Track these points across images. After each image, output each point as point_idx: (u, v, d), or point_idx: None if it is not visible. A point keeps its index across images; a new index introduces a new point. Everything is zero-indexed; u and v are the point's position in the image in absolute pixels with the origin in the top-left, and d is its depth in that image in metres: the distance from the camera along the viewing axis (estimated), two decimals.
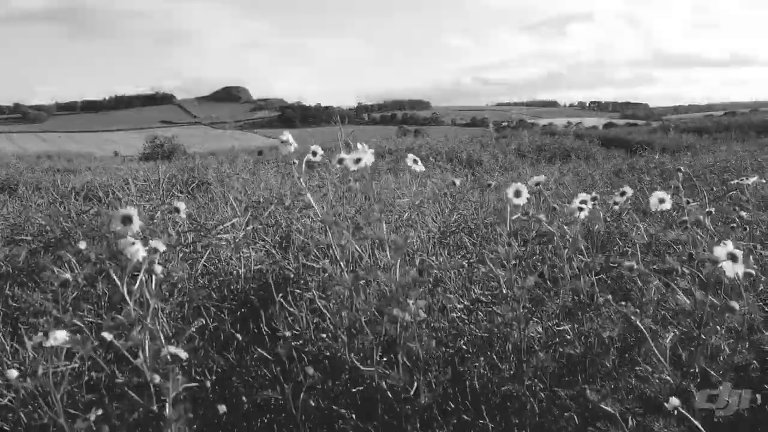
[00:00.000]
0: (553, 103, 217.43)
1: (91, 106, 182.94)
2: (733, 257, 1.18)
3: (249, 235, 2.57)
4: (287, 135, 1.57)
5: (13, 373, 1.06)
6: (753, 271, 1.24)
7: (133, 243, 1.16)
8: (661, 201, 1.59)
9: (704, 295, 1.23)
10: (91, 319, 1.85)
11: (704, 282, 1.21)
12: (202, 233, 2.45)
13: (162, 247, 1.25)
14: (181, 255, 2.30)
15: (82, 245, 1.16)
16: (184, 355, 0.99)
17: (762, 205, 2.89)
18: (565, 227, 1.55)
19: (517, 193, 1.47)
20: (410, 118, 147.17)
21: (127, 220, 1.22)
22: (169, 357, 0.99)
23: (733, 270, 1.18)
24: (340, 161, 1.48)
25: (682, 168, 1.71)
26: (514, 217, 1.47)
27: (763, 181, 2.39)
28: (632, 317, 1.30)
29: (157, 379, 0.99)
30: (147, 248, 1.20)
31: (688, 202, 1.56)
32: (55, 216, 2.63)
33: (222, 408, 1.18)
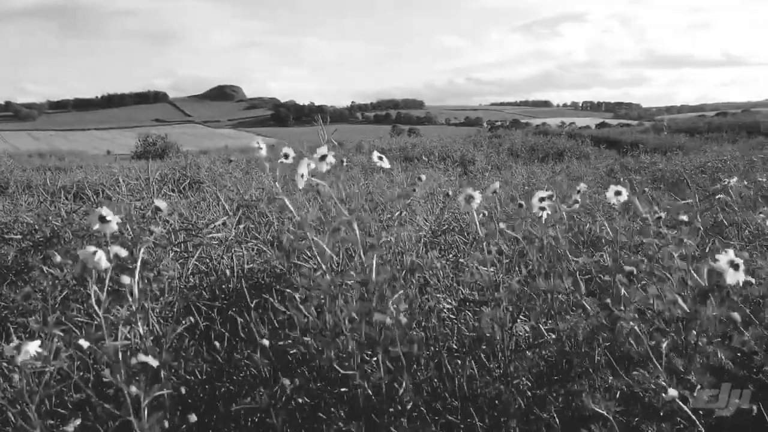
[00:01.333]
0: (546, 103, 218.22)
1: (83, 105, 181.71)
2: (734, 265, 1.18)
3: (240, 234, 2.57)
4: (259, 141, 1.63)
5: None
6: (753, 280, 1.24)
7: (95, 252, 1.15)
8: (617, 194, 1.62)
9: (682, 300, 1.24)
10: (81, 319, 1.84)
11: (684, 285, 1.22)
12: (193, 232, 2.45)
13: (123, 253, 1.23)
14: (172, 254, 2.30)
15: (57, 259, 1.15)
16: (154, 363, 0.98)
17: (751, 206, 2.92)
18: (539, 229, 1.57)
19: (469, 198, 1.49)
20: (404, 117, 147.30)
21: (103, 220, 1.22)
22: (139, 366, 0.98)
23: (734, 278, 1.18)
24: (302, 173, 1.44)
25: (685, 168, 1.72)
26: (478, 218, 1.48)
27: (744, 182, 2.40)
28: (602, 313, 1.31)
29: (133, 390, 0.98)
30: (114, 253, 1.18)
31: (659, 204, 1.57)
32: (45, 215, 2.62)
33: (192, 417, 1.16)
